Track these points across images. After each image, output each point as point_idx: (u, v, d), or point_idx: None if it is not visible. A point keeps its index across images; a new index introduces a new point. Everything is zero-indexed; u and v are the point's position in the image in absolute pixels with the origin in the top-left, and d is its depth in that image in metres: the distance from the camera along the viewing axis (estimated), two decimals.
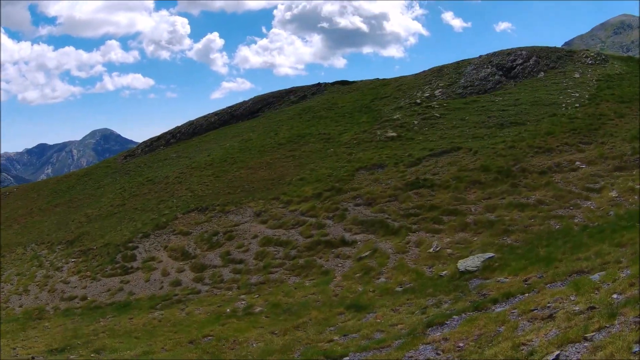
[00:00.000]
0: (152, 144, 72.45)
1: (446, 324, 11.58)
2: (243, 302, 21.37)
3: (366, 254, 21.49)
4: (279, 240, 27.57)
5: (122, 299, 28.39)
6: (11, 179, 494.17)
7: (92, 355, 18.71)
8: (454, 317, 11.93)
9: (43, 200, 64.77)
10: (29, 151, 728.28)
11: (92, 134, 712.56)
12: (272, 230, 29.21)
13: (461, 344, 9.98)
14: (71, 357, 19.07)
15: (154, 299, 26.69)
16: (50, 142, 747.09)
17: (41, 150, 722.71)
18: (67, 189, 66.75)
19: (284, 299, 19.89)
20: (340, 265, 22.31)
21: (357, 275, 19.46)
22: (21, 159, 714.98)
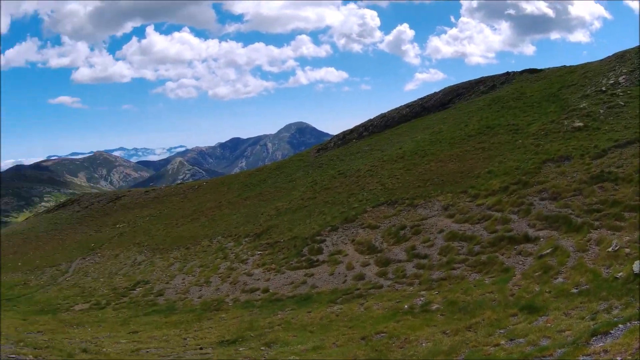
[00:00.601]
0: (345, 137, 75.66)
1: (610, 333, 11.42)
2: (422, 299, 22.30)
3: (547, 251, 21.60)
4: (464, 235, 28.27)
5: (304, 292, 30.56)
6: (203, 172, 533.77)
7: (262, 348, 20.57)
8: (619, 325, 11.72)
9: (233, 193, 70.10)
10: (222, 145, 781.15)
11: (287, 127, 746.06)
12: (458, 225, 29.97)
13: (618, 358, 9.93)
14: (240, 349, 21.13)
15: (336, 292, 28.46)
16: (244, 136, 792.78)
17: (235, 144, 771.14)
18: (258, 183, 71.64)
19: (461, 297, 20.54)
20: (521, 262, 22.66)
21: (536, 274, 19.68)
22: (214, 152, 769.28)
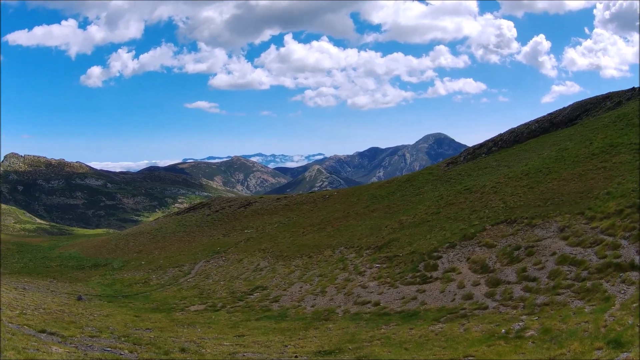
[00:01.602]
0: (474, 152, 75.19)
1: None
2: (520, 324, 22.01)
3: None
4: (574, 259, 27.52)
5: (413, 308, 30.97)
6: (341, 180, 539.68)
7: None
8: None
9: (362, 204, 71.06)
10: (360, 154, 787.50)
11: (426, 138, 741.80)
12: (570, 248, 29.21)
13: None
14: None
15: (442, 311, 28.70)
16: (383, 146, 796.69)
17: (373, 153, 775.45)
18: (386, 195, 72.30)
19: (557, 325, 20.07)
20: (623, 291, 21.85)
21: (634, 305, 19.15)
22: (352, 161, 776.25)
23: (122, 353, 21.40)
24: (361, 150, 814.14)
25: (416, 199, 61.99)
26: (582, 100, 73.80)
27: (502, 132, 77.16)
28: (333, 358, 22.49)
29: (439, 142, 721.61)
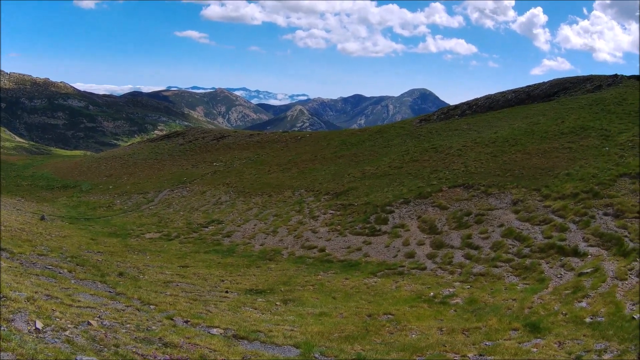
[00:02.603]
0: (449, 112, 74.29)
1: None
2: (450, 290, 21.72)
3: (587, 270, 20.17)
4: (519, 234, 27.08)
5: (355, 258, 30.71)
6: (322, 124, 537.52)
7: (277, 303, 20.96)
8: None
9: (330, 150, 70.15)
10: (344, 100, 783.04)
11: (410, 92, 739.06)
12: (519, 222, 28.74)
13: None
14: (259, 299, 21.56)
15: (382, 265, 28.49)
16: (367, 95, 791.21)
17: (357, 100, 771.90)
18: (356, 143, 71.37)
19: (485, 297, 19.74)
20: (559, 275, 21.34)
21: (566, 291, 18.40)
22: (335, 105, 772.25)
23: (61, 272, 21.07)
24: (345, 96, 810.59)
25: (383, 151, 61.18)
26: (563, 77, 72.85)
27: (475, 97, 76.34)
28: (262, 297, 22.30)
29: (423, 98, 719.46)
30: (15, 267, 19.04)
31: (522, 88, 72.28)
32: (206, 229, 42.14)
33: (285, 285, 24.69)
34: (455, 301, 20.15)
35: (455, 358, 12.70)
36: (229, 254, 34.46)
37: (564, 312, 16.18)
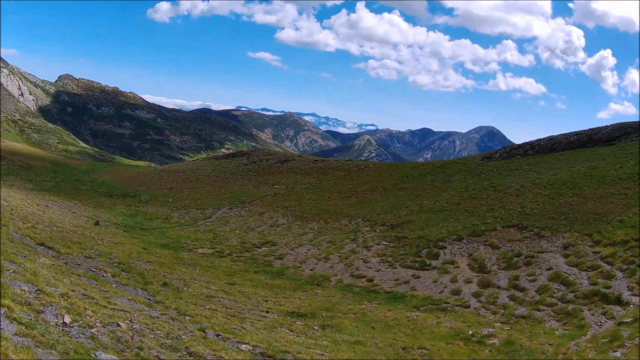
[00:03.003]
0: (511, 151, 73.56)
1: None
2: (490, 330, 21.51)
3: (628, 320, 19.59)
4: (566, 279, 26.52)
5: (402, 291, 30.73)
6: (389, 155, 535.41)
7: (315, 327, 21.22)
8: None
9: (391, 181, 70.16)
10: (411, 132, 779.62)
11: (478, 129, 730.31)
12: (567, 267, 28.20)
13: None
14: (297, 322, 21.82)
15: (427, 300, 28.40)
16: (435, 129, 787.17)
17: (424, 134, 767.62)
18: (418, 176, 71.19)
19: (522, 340, 19.41)
20: (600, 323, 20.79)
21: (603, 340, 17.91)
22: (403, 138, 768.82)
23: (104, 275, 21.69)
24: (414, 128, 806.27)
25: (443, 186, 60.87)
26: (625, 122, 71.08)
27: (538, 138, 75.36)
28: (301, 320, 22.62)
29: (490, 135, 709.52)
30: (59, 266, 19.73)
31: (584, 131, 70.96)
32: (259, 249, 42.69)
33: (327, 311, 24.90)
34: (492, 341, 19.98)
35: None
36: (278, 276, 34.89)
37: None
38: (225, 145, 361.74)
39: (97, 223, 45.75)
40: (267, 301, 26.07)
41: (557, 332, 20.76)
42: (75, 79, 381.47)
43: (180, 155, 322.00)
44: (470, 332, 21.35)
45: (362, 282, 33.09)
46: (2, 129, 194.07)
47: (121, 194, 79.90)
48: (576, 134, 70.83)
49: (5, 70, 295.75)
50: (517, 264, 30.92)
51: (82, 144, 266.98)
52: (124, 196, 78.31)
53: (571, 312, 22.87)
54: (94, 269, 22.18)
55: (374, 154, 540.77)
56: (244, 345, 14.69)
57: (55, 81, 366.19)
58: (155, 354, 11.42)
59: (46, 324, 11.13)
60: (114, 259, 28.04)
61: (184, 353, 12.30)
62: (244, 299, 25.56)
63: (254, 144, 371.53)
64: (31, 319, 11.04)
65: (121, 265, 26.11)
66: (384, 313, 25.41)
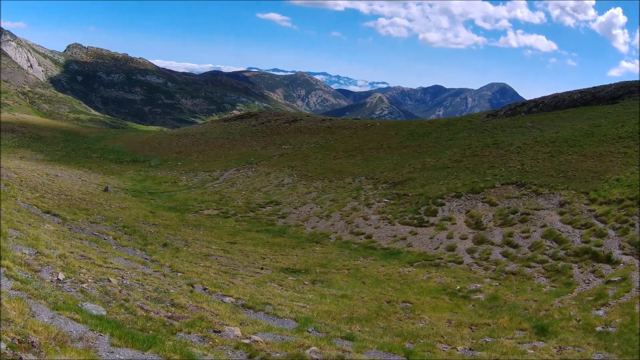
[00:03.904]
0: (516, 109, 72.71)
1: None
2: (478, 285, 21.53)
3: (615, 279, 19.29)
4: (559, 237, 26.25)
5: (398, 247, 30.82)
6: (401, 112, 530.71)
7: (305, 282, 21.60)
8: None
9: (397, 139, 69.71)
10: (423, 90, 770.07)
11: (490, 85, 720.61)
12: (561, 224, 27.91)
13: None
14: (289, 278, 22.09)
15: (421, 256, 28.46)
16: (446, 86, 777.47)
17: (436, 91, 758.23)
18: (423, 134, 70.71)
19: (508, 296, 19.37)
20: (587, 281, 20.46)
21: (589, 298, 17.68)
22: (414, 95, 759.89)
23: (105, 238, 22.00)
24: (425, 86, 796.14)
25: (447, 143, 60.40)
26: (629, 81, 69.55)
27: (543, 95, 74.32)
28: (293, 276, 22.84)
29: (502, 92, 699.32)
30: (62, 231, 20.01)
31: (588, 89, 69.78)
32: (263, 209, 42.72)
33: (322, 267, 25.06)
34: (477, 296, 20.01)
35: (444, 349, 12.66)
36: (280, 235, 34.99)
37: (577, 319, 15.74)
38: (237, 107, 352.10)
39: (106, 189, 46.01)
40: (264, 259, 26.21)
41: (544, 289, 20.70)
42: (85, 47, 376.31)
43: (192, 119, 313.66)
44: (458, 287, 21.43)
45: (361, 239, 33.15)
46: (12, 102, 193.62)
47: (131, 160, 79.81)
48: (580, 92, 69.79)
49: (13, 43, 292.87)
50: (513, 220, 30.78)
51: (93, 111, 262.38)
52: (134, 162, 78.23)
53: (560, 270, 22.75)
54: (96, 233, 22.40)
55: (386, 112, 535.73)
56: (227, 298, 14.96)
57: (64, 51, 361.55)
58: (139, 304, 11.81)
59: (41, 281, 11.70)
60: (119, 223, 28.25)
61: (168, 304, 12.62)
62: (242, 257, 25.72)
63: (265, 105, 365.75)
64: (28, 276, 11.57)
65: (125, 229, 26.32)
66: (376, 269, 25.54)
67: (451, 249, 29.12)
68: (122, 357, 8.49)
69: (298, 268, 24.38)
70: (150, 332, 10.04)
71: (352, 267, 25.51)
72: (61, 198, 33.01)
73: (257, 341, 10.91)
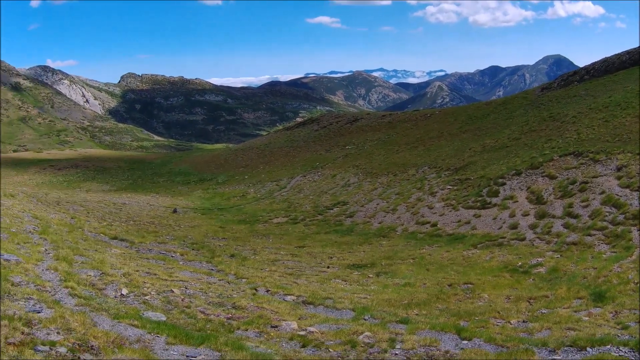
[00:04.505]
0: (568, 79, 70.89)
1: (587, 350, 9.92)
2: (539, 259, 21.23)
3: None
4: (617, 201, 25.50)
5: (462, 232, 30.66)
6: (462, 98, 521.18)
7: (370, 275, 21.81)
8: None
9: (456, 125, 69.05)
10: (481, 72, 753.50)
11: (545, 59, 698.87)
12: (619, 189, 27.05)
13: None
14: (355, 273, 22.36)
15: (485, 237, 28.22)
16: (503, 65, 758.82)
17: (493, 72, 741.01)
18: (481, 116, 69.78)
19: (567, 266, 19.04)
20: None
21: None
22: (473, 78, 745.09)
23: (173, 255, 22.77)
24: (482, 68, 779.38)
25: (505, 122, 59.50)
26: None
27: (593, 62, 72.19)
28: (358, 271, 23.00)
29: (558, 64, 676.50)
30: (129, 254, 20.87)
31: (635, 49, 66.88)
32: (331, 210, 43.08)
33: (387, 260, 25.24)
34: (537, 270, 19.77)
35: (498, 323, 12.68)
36: (348, 233, 35.28)
37: (636, 281, 15.40)
38: (300, 114, 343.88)
39: (174, 211, 46.74)
40: (331, 258, 26.57)
41: (604, 256, 20.25)
42: (139, 75, 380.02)
43: (257, 132, 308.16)
44: (519, 264, 21.21)
45: (426, 228, 33.10)
46: (72, 138, 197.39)
47: (198, 180, 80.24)
48: (628, 52, 67.22)
49: (65, 81, 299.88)
50: (572, 191, 30.08)
51: (156, 137, 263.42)
52: (201, 181, 78.76)
53: (620, 234, 22.21)
54: (163, 252, 23.21)
55: (447, 99, 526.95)
56: (289, 297, 15.43)
57: (119, 81, 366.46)
58: (200, 310, 12.45)
59: (105, 297, 12.42)
60: (187, 240, 29.10)
61: (229, 307, 13.21)
62: (309, 259, 26.16)
63: (327, 108, 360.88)
64: (92, 294, 12.31)
65: (193, 245, 27.12)
66: (441, 255, 25.54)
67: (514, 226, 28.74)
68: (175, 353, 9.12)
69: (364, 263, 24.64)
70: (208, 331, 10.65)
71: (417, 256, 25.57)
72: (129, 224, 34.09)
73: (313, 332, 11.39)
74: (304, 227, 38.70)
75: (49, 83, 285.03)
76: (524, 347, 10.05)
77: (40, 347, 7.85)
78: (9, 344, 7.70)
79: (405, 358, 9.85)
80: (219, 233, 35.29)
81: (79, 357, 7.85)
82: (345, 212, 41.65)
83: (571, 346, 10.04)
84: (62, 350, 7.92)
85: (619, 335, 10.62)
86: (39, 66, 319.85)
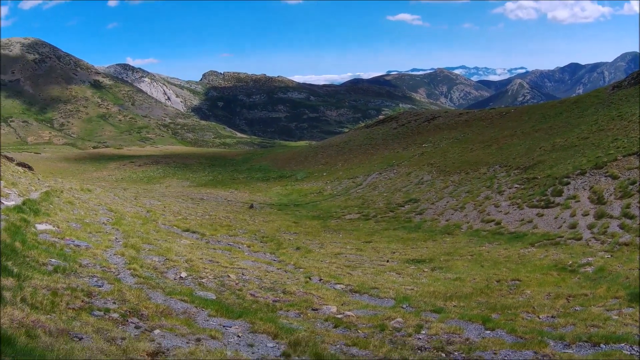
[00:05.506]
0: (638, 77, 67.65)
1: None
2: (589, 259, 21.01)
3: None
4: None
5: (524, 230, 30.41)
6: (542, 96, 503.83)
7: (425, 269, 22.05)
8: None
9: (530, 124, 67.58)
10: (561, 69, 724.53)
11: (623, 56, 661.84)
12: None
13: None
14: (411, 267, 22.71)
15: (544, 236, 27.97)
16: (582, 62, 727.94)
17: (573, 69, 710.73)
18: (554, 115, 68.02)
19: (615, 267, 18.89)
20: None
21: None
22: (553, 76, 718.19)
23: (239, 247, 23.90)
24: (562, 65, 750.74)
25: (576, 121, 57.78)
26: None
27: None
28: (415, 265, 23.41)
29: (635, 61, 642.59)
30: (197, 244, 22.03)
31: None
32: (402, 207, 43.28)
33: (446, 256, 25.44)
34: (585, 270, 19.57)
35: (527, 317, 12.94)
36: (415, 230, 35.47)
37: None
38: (383, 112, 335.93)
39: (251, 206, 47.58)
40: (394, 253, 26.97)
41: None
42: (221, 73, 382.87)
43: (340, 129, 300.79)
44: (569, 263, 21.03)
45: (490, 226, 33.00)
46: (154, 135, 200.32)
47: (277, 176, 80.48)
48: None
49: (146, 79, 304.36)
50: (632, 191, 29.23)
51: (239, 134, 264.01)
52: (280, 177, 79.11)
53: None
54: (231, 243, 24.23)
55: (528, 97, 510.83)
56: (339, 285, 16.18)
57: (201, 79, 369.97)
58: (251, 293, 13.51)
59: (164, 278, 13.72)
60: (259, 234, 30.06)
61: (279, 292, 14.18)
62: (372, 253, 26.67)
63: (410, 106, 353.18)
64: (152, 275, 13.62)
65: (263, 238, 28.05)
66: (498, 252, 25.54)
67: (572, 226, 28.27)
68: (214, 323, 10.35)
69: (423, 258, 24.95)
70: (251, 310, 11.54)
71: (475, 253, 25.72)
72: (204, 218, 35.20)
73: (349, 315, 12.19)
74: (374, 224, 39.10)
75: (129, 81, 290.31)
76: (540, 339, 10.35)
77: (96, 312, 9.30)
78: (69, 308, 9.13)
79: (426, 342, 10.43)
80: (291, 228, 36.08)
81: (127, 321, 9.17)
82: (416, 209, 41.82)
83: (587, 341, 10.37)
84: (115, 315, 9.35)
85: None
86: (118, 64, 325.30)
